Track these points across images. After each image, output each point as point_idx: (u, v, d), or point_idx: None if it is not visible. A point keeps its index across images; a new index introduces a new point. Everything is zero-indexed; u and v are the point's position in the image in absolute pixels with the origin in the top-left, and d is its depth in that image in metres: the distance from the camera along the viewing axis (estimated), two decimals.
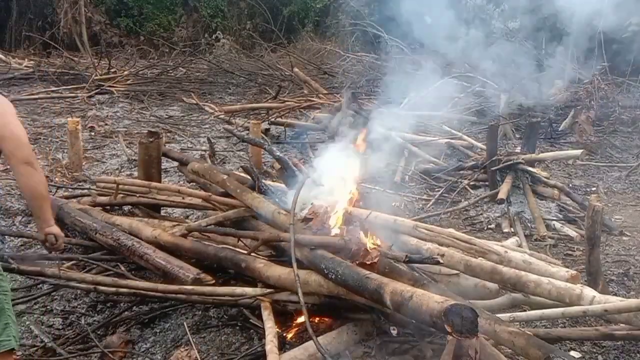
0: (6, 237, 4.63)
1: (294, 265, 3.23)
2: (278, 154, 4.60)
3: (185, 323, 3.61)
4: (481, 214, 6.11)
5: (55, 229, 2.64)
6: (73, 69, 12.77)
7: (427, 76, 9.61)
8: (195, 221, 4.86)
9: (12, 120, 2.50)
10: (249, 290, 3.52)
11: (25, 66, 13.12)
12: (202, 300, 3.64)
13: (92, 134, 8.74)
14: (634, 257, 5.18)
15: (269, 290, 3.46)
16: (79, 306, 3.93)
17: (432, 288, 2.91)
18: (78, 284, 3.78)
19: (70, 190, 6.11)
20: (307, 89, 11.53)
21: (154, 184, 5.02)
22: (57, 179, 6.54)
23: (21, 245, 4.84)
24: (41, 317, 3.80)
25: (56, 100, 10.50)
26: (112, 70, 12.74)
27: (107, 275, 4.08)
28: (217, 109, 10.27)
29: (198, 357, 3.28)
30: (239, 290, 3.57)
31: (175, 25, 18.44)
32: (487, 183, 6.71)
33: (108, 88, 11.48)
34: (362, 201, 4.12)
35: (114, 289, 3.71)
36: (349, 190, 3.80)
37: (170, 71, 14.05)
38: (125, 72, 12.88)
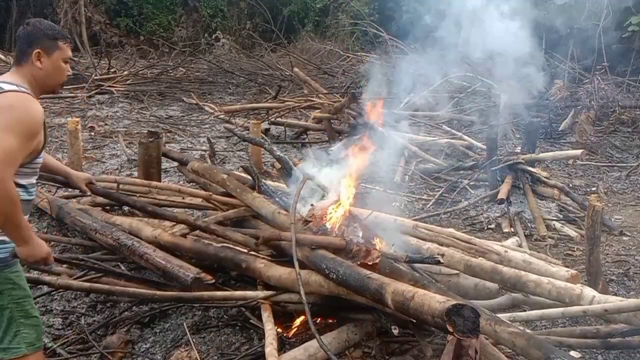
0: None
1: (296, 264, 3.22)
2: (278, 153, 4.60)
3: (185, 323, 3.61)
4: (481, 214, 6.11)
5: (25, 251, 2.37)
6: (73, 69, 12.68)
7: (427, 76, 9.62)
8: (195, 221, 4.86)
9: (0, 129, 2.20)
10: (249, 294, 3.51)
11: None
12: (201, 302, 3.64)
13: (92, 134, 8.74)
14: (634, 257, 5.18)
15: (269, 293, 3.45)
16: (78, 306, 3.93)
17: (433, 288, 2.91)
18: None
19: (70, 190, 6.10)
20: (307, 89, 11.53)
21: (154, 183, 5.02)
22: None
23: None
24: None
25: (56, 100, 10.49)
26: (112, 70, 12.74)
27: (107, 276, 4.08)
28: (217, 109, 10.27)
29: (198, 357, 3.28)
30: (237, 294, 3.57)
31: (175, 25, 18.46)
32: (487, 183, 6.71)
33: (108, 88, 11.49)
34: (360, 201, 4.12)
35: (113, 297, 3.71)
36: (347, 190, 3.79)
37: (170, 71, 14.06)
38: (125, 72, 12.88)
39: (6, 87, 2.33)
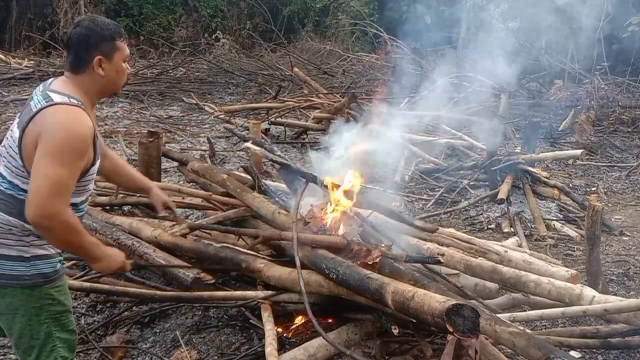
0: None
1: (297, 263, 3.22)
2: (279, 153, 4.60)
3: (177, 331, 3.60)
4: (481, 214, 6.11)
5: (98, 267, 2.35)
6: None
7: (427, 76, 9.62)
8: (195, 221, 4.86)
9: (47, 156, 2.07)
10: (249, 293, 3.51)
11: (25, 66, 13.14)
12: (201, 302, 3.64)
13: None
14: (634, 257, 5.18)
15: (269, 293, 3.45)
16: (78, 306, 3.92)
17: (433, 288, 2.91)
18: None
19: None
20: (307, 89, 11.53)
21: (154, 183, 5.01)
22: None
23: None
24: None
25: None
26: None
27: (107, 276, 4.08)
28: (217, 109, 10.27)
29: (198, 357, 3.28)
30: (237, 294, 3.57)
31: (175, 25, 18.46)
32: (487, 183, 6.71)
33: None
34: (359, 199, 4.11)
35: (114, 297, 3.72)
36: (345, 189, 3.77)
37: (170, 71, 14.06)
38: None
39: (56, 98, 2.14)
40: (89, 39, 2.21)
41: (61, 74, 2.33)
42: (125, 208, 5.17)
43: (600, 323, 3.65)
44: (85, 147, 2.14)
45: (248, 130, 8.13)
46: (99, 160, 2.31)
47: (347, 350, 2.88)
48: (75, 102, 2.16)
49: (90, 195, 2.40)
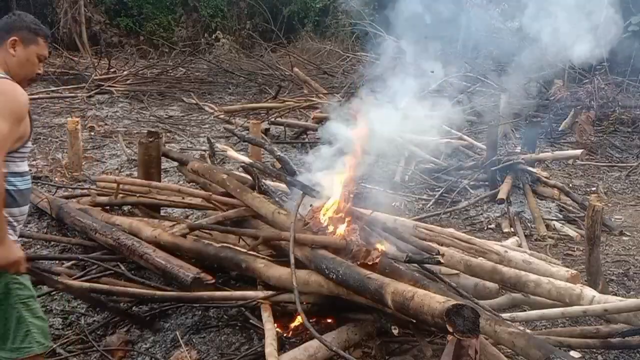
0: None
1: (292, 265, 3.22)
2: (278, 153, 4.60)
3: (177, 332, 3.60)
4: (481, 214, 6.12)
5: (2, 252, 2.29)
6: (73, 69, 12.77)
7: (427, 75, 9.58)
8: (195, 221, 4.86)
9: None
10: (249, 293, 3.51)
11: None
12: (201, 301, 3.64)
13: (92, 134, 8.73)
14: (634, 257, 5.18)
15: (269, 293, 3.45)
16: (78, 306, 3.92)
17: (433, 288, 2.91)
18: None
19: (70, 190, 6.11)
20: (307, 89, 11.53)
21: (154, 183, 5.02)
22: (56, 178, 6.54)
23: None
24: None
25: (56, 100, 10.50)
26: (112, 70, 12.73)
27: (107, 276, 4.08)
28: (217, 109, 10.27)
29: (197, 357, 3.28)
30: (237, 294, 3.57)
31: (175, 25, 18.42)
32: (487, 183, 6.71)
33: (108, 88, 11.48)
34: (360, 200, 4.11)
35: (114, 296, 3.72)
36: (342, 189, 3.77)
37: (170, 71, 14.04)
38: (125, 72, 12.87)
39: None
40: (14, 22, 2.51)
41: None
42: (125, 208, 5.17)
43: (600, 323, 3.66)
44: (23, 111, 2.37)
45: (248, 130, 8.14)
46: (30, 141, 2.48)
47: (342, 352, 2.88)
48: (6, 76, 2.40)
49: (30, 173, 2.54)
